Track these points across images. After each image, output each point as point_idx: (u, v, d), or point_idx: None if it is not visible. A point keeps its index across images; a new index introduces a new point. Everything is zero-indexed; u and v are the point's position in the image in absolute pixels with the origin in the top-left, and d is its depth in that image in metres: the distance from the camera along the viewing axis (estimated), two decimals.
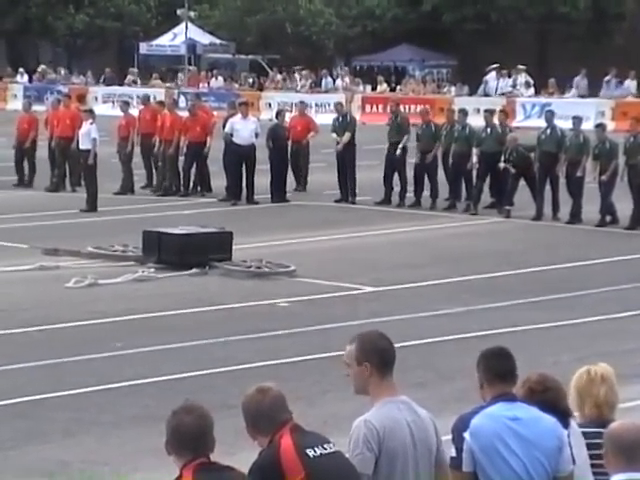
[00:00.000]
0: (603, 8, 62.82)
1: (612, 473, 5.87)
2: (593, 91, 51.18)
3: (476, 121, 30.01)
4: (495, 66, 53.73)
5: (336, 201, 28.48)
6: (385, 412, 6.50)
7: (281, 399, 6.17)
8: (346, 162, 28.72)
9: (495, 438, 6.70)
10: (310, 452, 6.04)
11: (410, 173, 27.99)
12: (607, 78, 52.45)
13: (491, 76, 53.49)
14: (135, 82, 57.67)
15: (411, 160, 28.14)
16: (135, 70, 59.25)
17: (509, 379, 6.93)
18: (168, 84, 55.41)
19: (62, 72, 60.54)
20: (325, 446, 6.13)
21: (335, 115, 30.91)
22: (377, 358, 6.54)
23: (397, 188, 28.17)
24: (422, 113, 30.33)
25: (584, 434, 7.04)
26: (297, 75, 56.57)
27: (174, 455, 5.87)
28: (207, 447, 5.86)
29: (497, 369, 6.93)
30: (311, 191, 29.95)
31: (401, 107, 39.54)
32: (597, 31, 62.09)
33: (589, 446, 7.03)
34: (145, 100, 33.00)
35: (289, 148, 29.79)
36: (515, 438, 6.71)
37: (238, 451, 6.29)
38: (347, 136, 28.94)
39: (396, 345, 6.78)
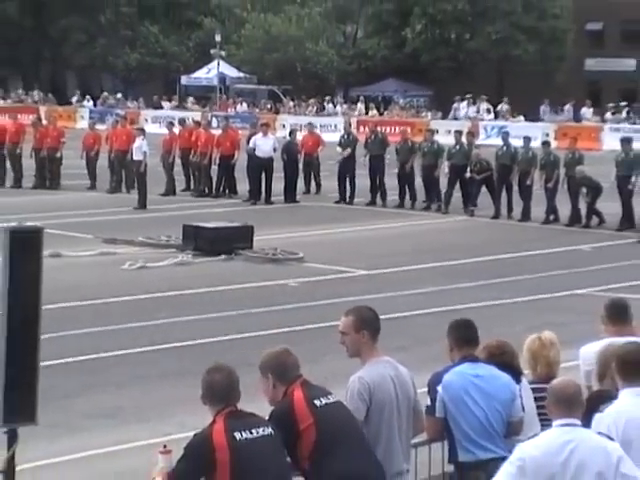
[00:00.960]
0: (548, 52, 63.13)
1: (554, 419, 5.87)
2: (537, 116, 51.17)
3: (447, 140, 29.95)
4: (463, 96, 53.78)
5: (335, 202, 28.45)
6: (374, 370, 6.51)
7: (297, 360, 6.21)
8: (347, 171, 28.66)
9: (462, 391, 6.72)
10: (317, 402, 6.05)
11: (394, 180, 27.97)
12: (567, 107, 52.52)
13: (459, 104, 53.50)
14: (177, 106, 57.61)
15: (394, 170, 28.13)
16: (191, 98, 58.96)
17: (473, 344, 6.95)
18: (203, 108, 55.29)
19: (119, 98, 60.52)
20: (329, 397, 6.15)
21: (342, 132, 30.87)
22: (371, 327, 6.54)
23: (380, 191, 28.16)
24: (402, 132, 30.39)
25: (538, 390, 7.04)
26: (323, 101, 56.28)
27: (209, 405, 5.89)
28: (235, 398, 5.88)
29: (464, 336, 6.94)
30: (317, 194, 29.88)
31: (387, 128, 39.78)
32: (543, 70, 62.33)
33: (542, 399, 7.01)
34: (181, 121, 33.08)
35: (301, 160, 29.77)
36: (477, 391, 6.74)
37: (256, 400, 6.26)
38: (347, 151, 28.86)
39: (383, 317, 6.77)
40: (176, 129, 31.29)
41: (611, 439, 5.82)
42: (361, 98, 58.00)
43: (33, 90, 63.62)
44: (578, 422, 5.80)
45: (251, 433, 5.75)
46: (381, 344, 6.63)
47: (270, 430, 5.83)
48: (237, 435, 5.71)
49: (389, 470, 6.34)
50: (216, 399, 5.84)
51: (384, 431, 6.41)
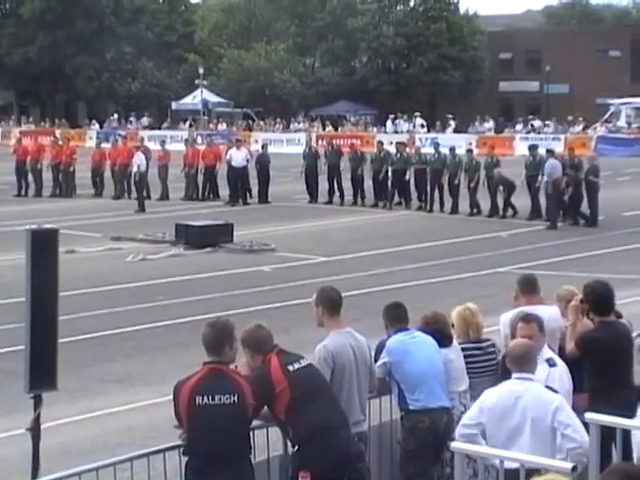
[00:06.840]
0: (470, 77, 63.90)
1: (512, 373, 5.93)
2: (464, 128, 51.29)
3: (390, 149, 29.82)
4: (402, 114, 53.87)
5: (309, 202, 28.00)
6: (336, 339, 6.46)
7: (270, 332, 6.10)
8: (310, 177, 28.42)
9: (404, 352, 6.74)
10: (290, 367, 5.94)
11: (346, 183, 27.91)
12: (489, 122, 52.73)
13: (399, 120, 53.53)
14: (168, 127, 57.20)
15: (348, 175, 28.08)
16: (190, 121, 58.37)
17: (404, 320, 6.97)
18: (190, 128, 54.89)
19: (121, 121, 60.08)
20: (301, 362, 6.03)
21: (304, 146, 30.72)
22: (326, 303, 6.49)
23: (338, 193, 28.07)
24: (351, 145, 30.59)
25: (467, 349, 7.04)
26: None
27: (206, 354, 5.73)
28: (221, 353, 5.66)
29: (396, 315, 6.96)
30: (284, 196, 29.69)
31: (341, 141, 39.71)
32: (465, 91, 63.00)
33: (471, 356, 7.02)
34: (162, 142, 32.09)
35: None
36: (417, 349, 6.74)
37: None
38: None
39: (343, 294, 6.71)
40: (168, 146, 30.94)
41: (555, 391, 5.84)
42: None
43: (50, 117, 63.17)
44: (529, 376, 5.85)
45: (212, 399, 5.54)
46: (342, 316, 6.56)
47: (234, 399, 5.57)
48: (198, 399, 5.54)
49: (349, 420, 6.27)
50: (206, 350, 5.71)
51: (345, 389, 6.36)
